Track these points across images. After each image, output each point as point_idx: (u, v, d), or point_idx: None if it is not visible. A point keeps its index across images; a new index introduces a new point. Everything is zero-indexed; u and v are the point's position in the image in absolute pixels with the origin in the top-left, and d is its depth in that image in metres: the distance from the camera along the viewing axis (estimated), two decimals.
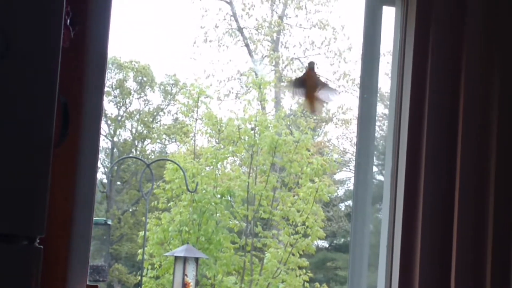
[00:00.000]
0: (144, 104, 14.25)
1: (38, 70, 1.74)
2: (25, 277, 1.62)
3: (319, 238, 10.44)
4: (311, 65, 3.17)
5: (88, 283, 2.64)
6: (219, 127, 10.38)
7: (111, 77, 13.71)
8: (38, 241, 1.71)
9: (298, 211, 10.08)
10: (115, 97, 14.03)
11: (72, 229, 2.53)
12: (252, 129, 10.25)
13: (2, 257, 1.61)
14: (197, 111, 10.77)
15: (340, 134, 13.90)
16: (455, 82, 2.95)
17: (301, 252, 10.14)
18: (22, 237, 1.65)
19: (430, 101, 2.91)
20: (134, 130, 14.31)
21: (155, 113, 14.31)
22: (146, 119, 14.22)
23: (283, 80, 12.39)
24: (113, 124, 14.08)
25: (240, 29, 12.99)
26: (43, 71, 1.75)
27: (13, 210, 1.65)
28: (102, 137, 13.59)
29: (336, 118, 13.72)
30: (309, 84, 3.10)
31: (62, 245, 2.51)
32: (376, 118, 3.15)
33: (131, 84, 14.05)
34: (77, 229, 2.56)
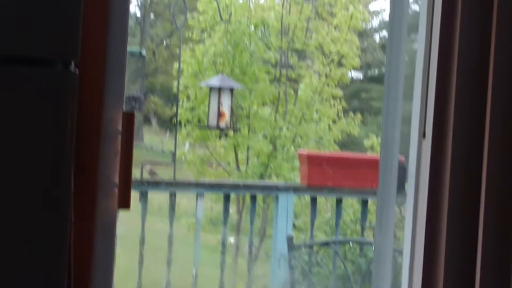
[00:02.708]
0: None
1: None
2: (61, 100, 1.64)
3: (354, 68, 10.41)
4: None
5: (124, 111, 2.68)
6: None
7: None
8: (73, 66, 1.71)
9: (333, 40, 10.01)
10: None
11: (107, 58, 2.54)
12: None
13: (38, 81, 1.63)
14: None
15: None
16: None
17: (336, 83, 10.16)
18: (57, 62, 1.66)
19: None
20: None
21: None
22: None
23: None
24: None
25: None
26: None
27: (45, 34, 1.64)
28: None
29: None
30: None
31: (97, 74, 2.52)
32: None
33: None
34: (111, 59, 2.56)
